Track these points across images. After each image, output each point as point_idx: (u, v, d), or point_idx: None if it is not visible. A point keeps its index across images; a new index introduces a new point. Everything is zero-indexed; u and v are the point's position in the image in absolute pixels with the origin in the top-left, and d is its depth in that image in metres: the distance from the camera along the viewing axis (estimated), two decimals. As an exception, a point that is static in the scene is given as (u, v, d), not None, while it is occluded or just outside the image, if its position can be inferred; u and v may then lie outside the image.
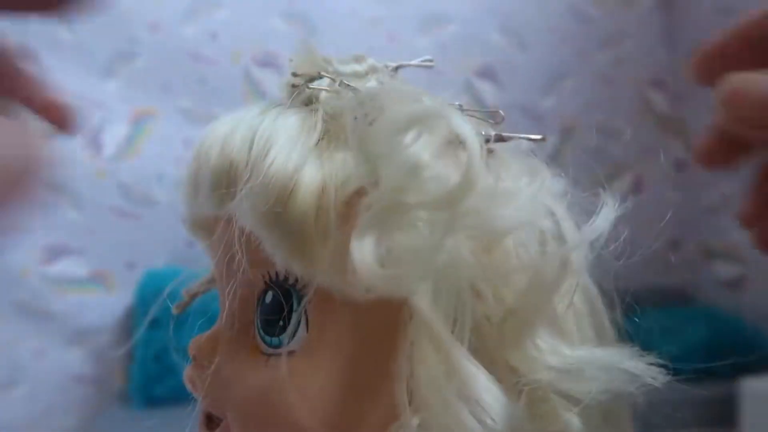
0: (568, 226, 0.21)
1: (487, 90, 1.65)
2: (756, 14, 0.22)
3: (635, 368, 0.21)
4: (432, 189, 0.19)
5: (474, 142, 0.19)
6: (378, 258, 0.19)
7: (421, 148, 0.19)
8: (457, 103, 0.24)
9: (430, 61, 0.26)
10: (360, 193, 0.20)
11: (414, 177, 0.19)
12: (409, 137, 0.19)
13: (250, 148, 0.23)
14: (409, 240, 0.19)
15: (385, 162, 0.19)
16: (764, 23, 0.21)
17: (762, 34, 0.21)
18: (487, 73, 1.65)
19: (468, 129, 0.19)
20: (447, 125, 0.19)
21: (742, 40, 0.22)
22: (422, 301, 0.20)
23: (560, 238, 0.20)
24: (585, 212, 0.21)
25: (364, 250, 0.19)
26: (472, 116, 0.24)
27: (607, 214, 0.20)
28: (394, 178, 0.19)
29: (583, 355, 0.21)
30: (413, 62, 0.26)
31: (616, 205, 0.20)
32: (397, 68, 0.24)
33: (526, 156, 0.23)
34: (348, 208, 0.20)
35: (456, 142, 0.19)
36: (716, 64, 0.21)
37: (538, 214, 0.20)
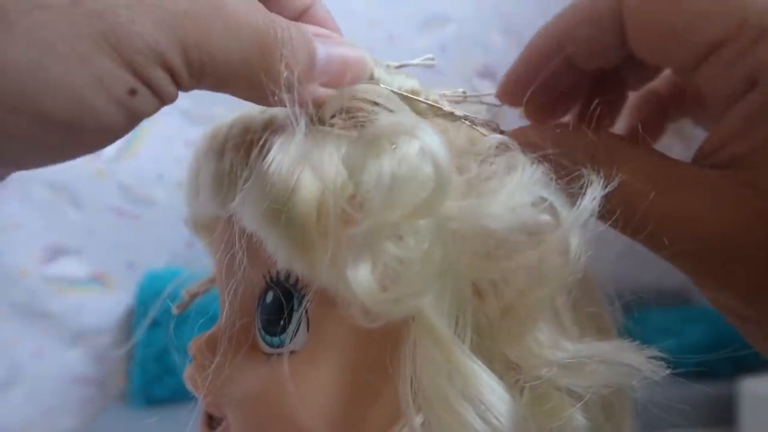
0: (561, 209, 0.21)
1: (487, 90, 1.64)
2: (536, 38, 0.24)
3: (636, 362, 0.21)
4: (410, 201, 0.19)
5: (441, 150, 0.19)
6: (377, 282, 0.19)
7: (396, 163, 0.19)
8: (460, 89, 0.25)
9: (432, 59, 0.26)
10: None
11: (393, 192, 0.19)
12: (383, 154, 0.19)
13: (250, 148, 0.23)
14: (403, 254, 0.19)
15: (364, 181, 0.19)
16: (542, 48, 0.24)
17: (542, 54, 0.24)
18: (487, 73, 1.65)
19: (435, 140, 0.19)
20: (417, 137, 0.20)
21: (530, 62, 0.25)
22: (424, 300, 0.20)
23: (556, 223, 0.20)
24: (571, 199, 0.21)
25: (361, 278, 0.19)
26: (473, 104, 0.24)
27: (593, 192, 0.20)
28: (375, 198, 0.19)
29: (584, 349, 0.21)
30: (414, 61, 0.26)
31: (601, 183, 0.20)
32: (398, 67, 0.24)
33: (505, 148, 0.23)
34: (348, 208, 0.20)
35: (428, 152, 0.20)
36: (518, 87, 0.25)
37: (527, 204, 0.20)
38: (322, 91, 0.22)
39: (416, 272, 0.19)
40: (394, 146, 0.20)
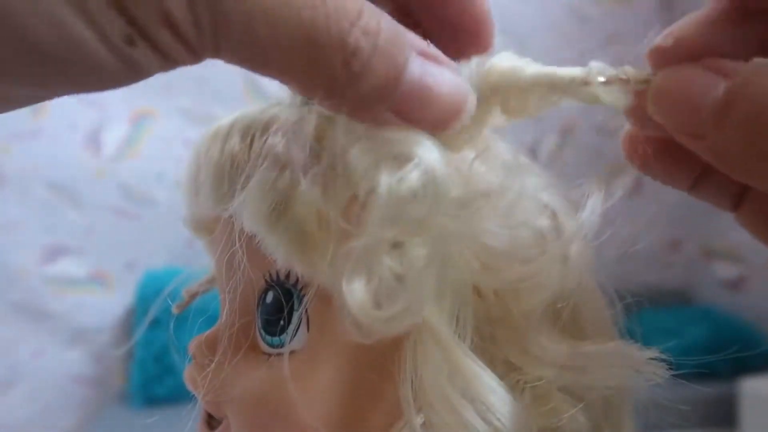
0: (564, 219, 0.21)
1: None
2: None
3: (637, 363, 0.21)
4: (408, 218, 0.18)
5: (441, 168, 0.19)
6: (372, 298, 0.18)
7: (395, 179, 0.18)
8: None
9: None
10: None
11: (390, 209, 0.18)
12: (382, 166, 0.19)
13: (250, 148, 0.23)
14: (399, 271, 0.19)
15: (361, 193, 0.19)
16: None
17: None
18: (487, 73, 1.65)
19: (435, 156, 0.19)
20: (417, 154, 0.19)
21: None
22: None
23: (558, 231, 0.20)
24: (573, 206, 0.21)
25: (356, 295, 0.18)
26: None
27: (595, 204, 0.20)
28: (373, 212, 0.18)
29: (585, 351, 0.21)
30: None
31: (603, 194, 0.20)
32: None
33: (509, 154, 0.23)
34: (349, 209, 0.20)
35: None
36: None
37: (526, 221, 0.20)
38: (388, 119, 0.18)
39: (411, 290, 0.19)
40: (394, 160, 0.19)
